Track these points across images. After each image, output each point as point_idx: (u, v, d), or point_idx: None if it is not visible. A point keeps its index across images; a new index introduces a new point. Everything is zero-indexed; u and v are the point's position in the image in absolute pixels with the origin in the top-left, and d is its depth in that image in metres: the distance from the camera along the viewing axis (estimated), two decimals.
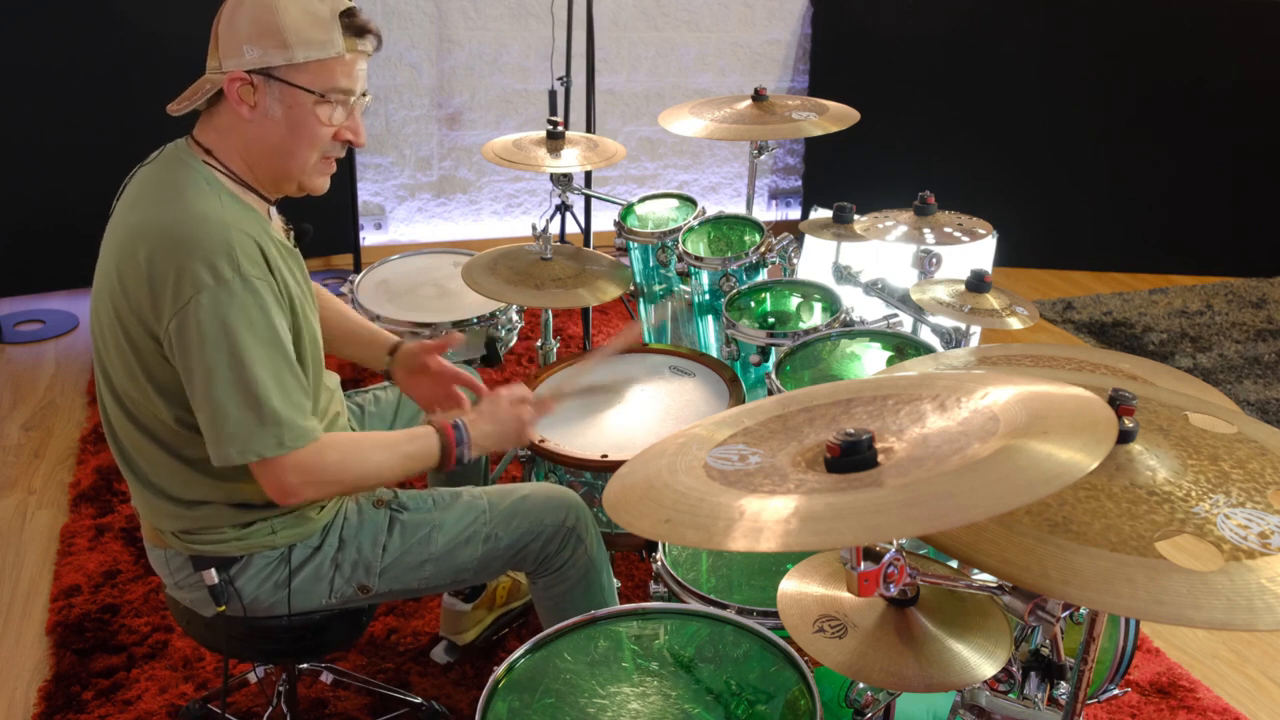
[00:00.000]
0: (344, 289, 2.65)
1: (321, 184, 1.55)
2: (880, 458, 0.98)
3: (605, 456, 1.87)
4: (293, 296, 1.48)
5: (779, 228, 3.83)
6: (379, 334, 1.90)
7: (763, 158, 2.66)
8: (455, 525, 1.67)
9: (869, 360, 2.01)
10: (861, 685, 1.29)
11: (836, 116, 2.50)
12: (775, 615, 1.32)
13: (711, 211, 2.56)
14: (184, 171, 1.45)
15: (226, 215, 1.41)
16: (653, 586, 1.66)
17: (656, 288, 2.60)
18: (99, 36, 3.39)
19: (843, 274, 2.27)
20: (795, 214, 4.86)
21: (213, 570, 1.54)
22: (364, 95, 1.51)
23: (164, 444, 1.50)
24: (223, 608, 1.56)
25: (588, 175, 3.85)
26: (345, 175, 3.94)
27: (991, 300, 1.88)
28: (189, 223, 1.39)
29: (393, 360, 1.86)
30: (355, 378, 3.31)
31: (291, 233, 1.63)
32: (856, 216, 2.22)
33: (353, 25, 1.45)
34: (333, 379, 1.72)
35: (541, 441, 1.90)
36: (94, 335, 1.52)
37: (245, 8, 1.41)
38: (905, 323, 2.12)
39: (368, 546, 1.62)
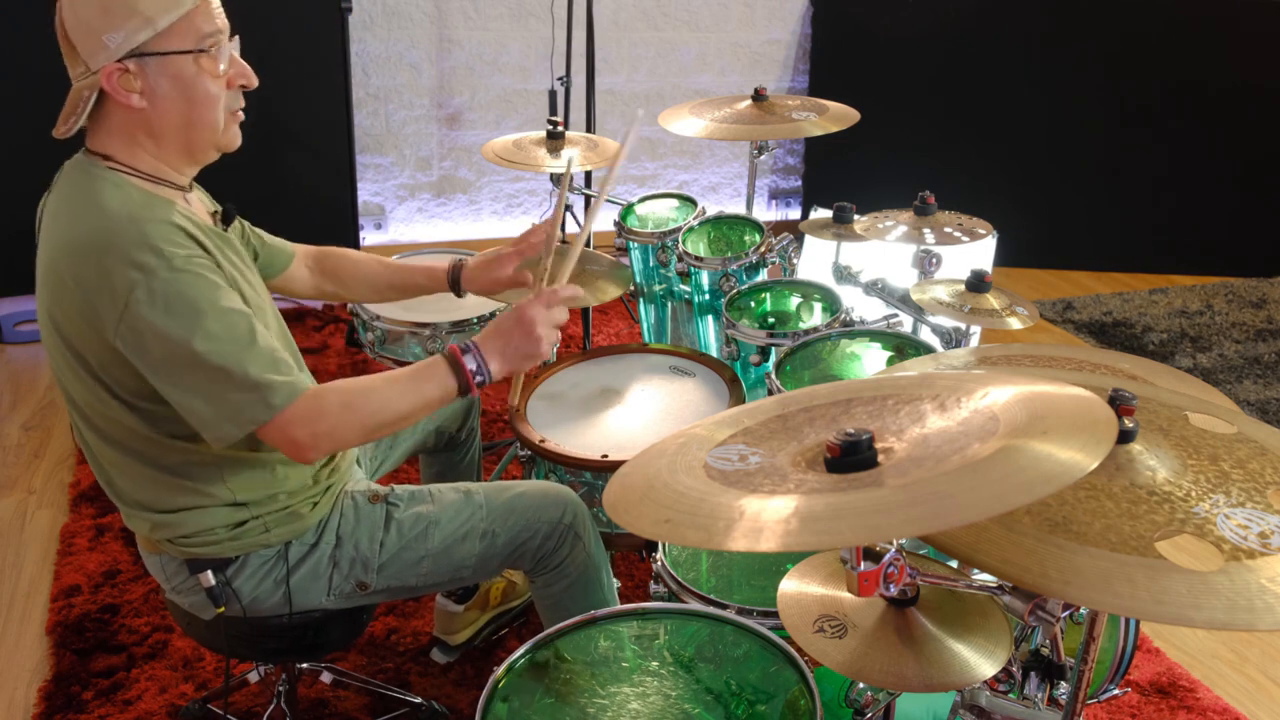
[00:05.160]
0: None
1: (236, 137, 1.51)
2: (880, 458, 0.98)
3: (605, 456, 1.87)
4: (228, 278, 1.44)
5: (779, 228, 3.83)
6: (434, 270, 1.92)
7: (763, 158, 2.65)
8: (452, 521, 1.66)
9: (869, 360, 2.01)
10: (861, 685, 1.29)
11: (836, 116, 2.50)
12: (775, 615, 1.32)
13: (711, 211, 2.56)
14: (88, 181, 1.42)
15: (136, 210, 1.38)
16: (653, 586, 1.66)
17: (656, 288, 2.60)
18: None
19: (843, 274, 2.27)
20: (795, 214, 4.86)
21: (209, 572, 1.54)
22: (233, 36, 1.46)
23: (140, 455, 1.48)
24: (221, 609, 1.55)
25: (588, 175, 3.85)
26: (345, 175, 3.94)
27: (991, 300, 1.88)
28: (100, 227, 1.36)
29: (462, 284, 1.90)
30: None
31: (217, 216, 1.59)
32: (856, 216, 2.22)
33: None
34: None
35: (542, 442, 1.90)
36: (52, 365, 1.49)
37: (83, 1, 1.36)
38: (905, 323, 2.12)
39: (365, 543, 1.62)
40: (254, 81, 1.49)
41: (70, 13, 1.37)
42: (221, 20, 1.44)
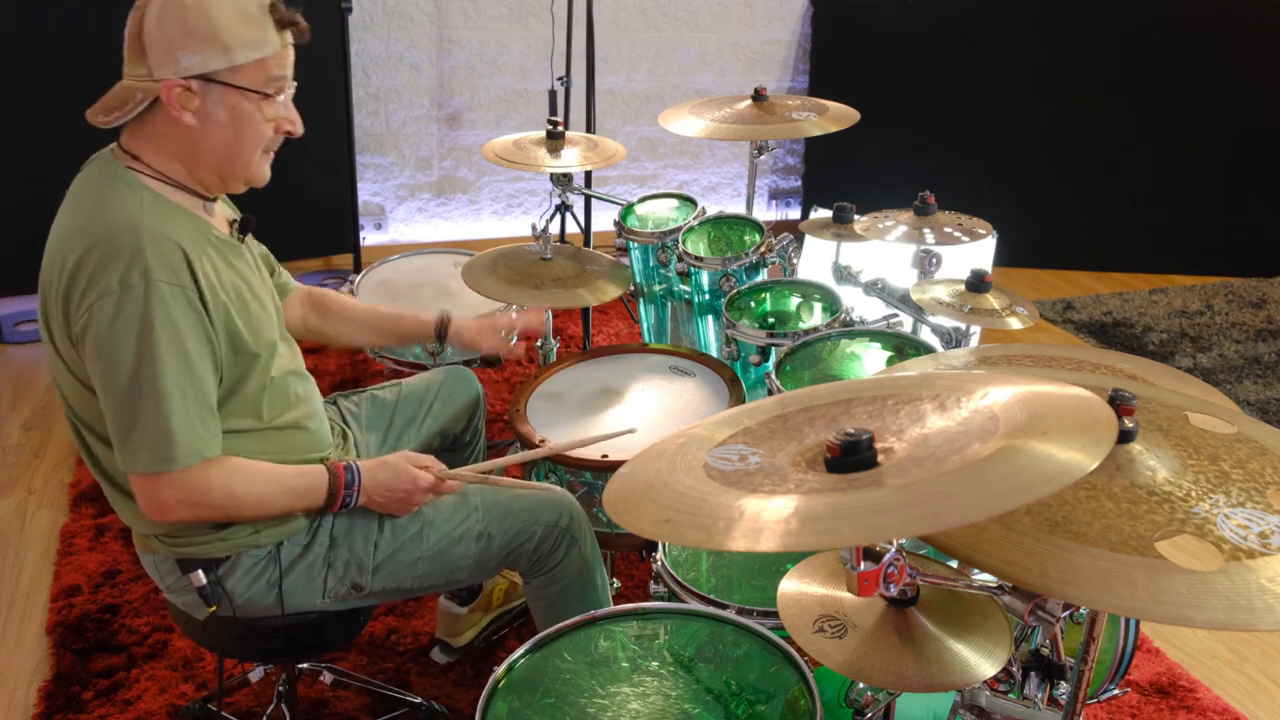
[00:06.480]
0: (344, 289, 2.65)
1: (265, 174, 1.54)
2: (880, 458, 0.98)
3: (605, 456, 1.87)
4: (223, 296, 1.45)
5: (779, 228, 3.83)
6: (423, 320, 1.99)
7: (763, 158, 2.65)
8: (447, 523, 1.66)
9: (869, 360, 2.01)
10: (861, 685, 1.29)
11: (836, 116, 2.50)
12: (775, 615, 1.33)
13: (711, 211, 2.56)
14: (105, 178, 1.44)
15: (145, 218, 1.39)
16: (653, 586, 1.66)
17: (656, 288, 2.60)
18: (98, 39, 3.38)
19: (843, 274, 2.27)
20: (795, 214, 4.86)
21: (200, 572, 1.54)
22: (294, 83, 1.51)
23: None
24: (213, 608, 1.55)
25: (588, 175, 3.85)
26: (345, 175, 3.94)
27: (991, 300, 1.88)
28: (102, 228, 1.38)
29: (449, 337, 2.00)
30: (354, 378, 3.31)
31: (234, 225, 1.59)
32: (856, 216, 2.22)
33: (281, 19, 1.44)
34: (308, 382, 1.69)
35: (542, 442, 1.90)
36: (47, 357, 1.51)
37: (172, 12, 1.38)
38: (905, 323, 2.12)
39: (359, 545, 1.62)
40: (299, 130, 1.53)
41: (153, 21, 1.39)
42: (291, 68, 1.48)
